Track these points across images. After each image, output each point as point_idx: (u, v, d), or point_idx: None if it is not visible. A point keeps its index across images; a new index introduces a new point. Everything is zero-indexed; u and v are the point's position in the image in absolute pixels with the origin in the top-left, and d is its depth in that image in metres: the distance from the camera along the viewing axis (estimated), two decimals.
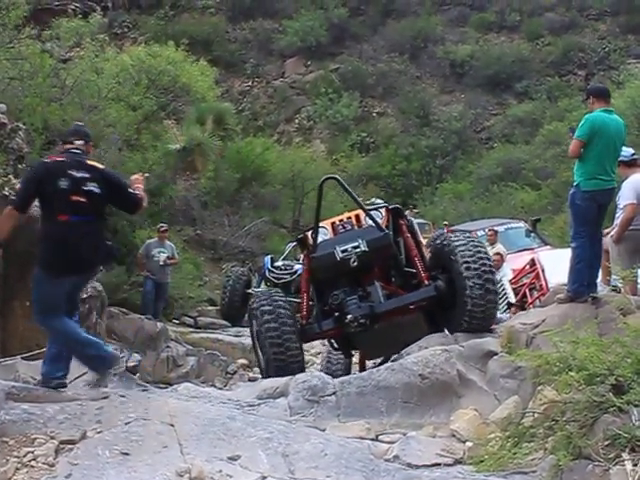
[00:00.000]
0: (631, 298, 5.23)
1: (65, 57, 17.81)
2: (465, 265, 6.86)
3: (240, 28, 37.18)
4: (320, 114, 33.17)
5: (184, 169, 19.89)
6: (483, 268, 6.88)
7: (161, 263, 12.95)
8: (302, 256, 8.25)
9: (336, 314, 7.24)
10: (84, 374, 7.12)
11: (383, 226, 7.43)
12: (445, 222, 19.55)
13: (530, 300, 9.89)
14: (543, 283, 10.13)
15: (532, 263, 10.61)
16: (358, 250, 7.11)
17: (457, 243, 7.07)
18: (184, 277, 15.25)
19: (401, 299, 7.38)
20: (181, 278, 15.00)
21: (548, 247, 12.62)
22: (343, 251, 7.12)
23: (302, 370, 7.00)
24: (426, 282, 7.31)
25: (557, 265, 9.91)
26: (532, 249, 12.04)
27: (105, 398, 5.29)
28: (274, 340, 6.82)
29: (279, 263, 15.57)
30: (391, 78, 34.60)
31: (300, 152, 26.02)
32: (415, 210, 24.81)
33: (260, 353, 7.29)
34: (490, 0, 37.37)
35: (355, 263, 7.11)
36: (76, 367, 7.20)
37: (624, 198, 6.62)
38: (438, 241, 7.41)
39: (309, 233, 7.60)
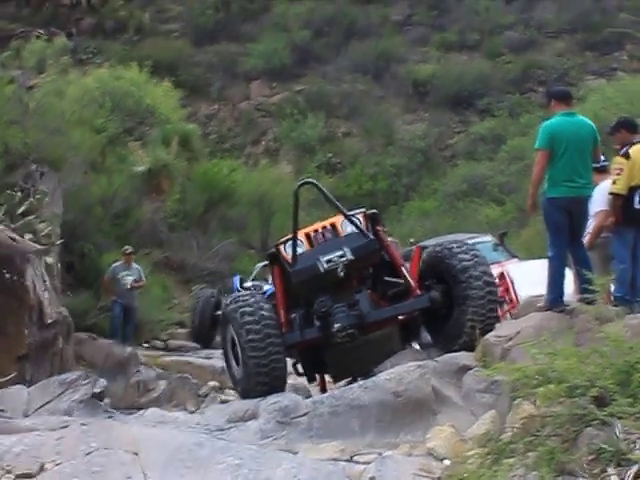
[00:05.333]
0: (608, 307, 5.16)
1: (30, 84, 17.59)
2: (467, 274, 6.62)
3: (204, 52, 37.12)
4: (286, 135, 33.13)
5: (150, 191, 19.64)
6: (485, 278, 6.67)
7: (128, 286, 12.80)
8: (273, 271, 7.73)
9: (317, 323, 6.89)
10: (47, 403, 6.86)
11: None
12: (411, 240, 19.47)
13: (501, 313, 9.82)
14: (513, 296, 10.09)
15: (501, 276, 10.56)
16: (344, 259, 6.79)
17: (457, 251, 6.85)
18: (153, 300, 14.99)
19: (393, 309, 7.07)
20: (150, 301, 14.74)
21: (516, 260, 12.60)
22: (328, 261, 6.78)
23: (284, 379, 6.66)
24: (418, 292, 7.03)
25: (526, 277, 9.91)
26: (500, 262, 11.99)
27: (65, 427, 5.06)
28: (256, 344, 6.34)
29: (248, 284, 15.42)
30: (355, 98, 34.72)
31: (267, 173, 25.88)
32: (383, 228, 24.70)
33: (233, 363, 6.89)
34: (451, 20, 37.85)
35: (342, 273, 6.78)
36: (38, 396, 6.94)
37: (596, 205, 6.57)
38: (435, 250, 7.14)
39: (282, 246, 7.24)
